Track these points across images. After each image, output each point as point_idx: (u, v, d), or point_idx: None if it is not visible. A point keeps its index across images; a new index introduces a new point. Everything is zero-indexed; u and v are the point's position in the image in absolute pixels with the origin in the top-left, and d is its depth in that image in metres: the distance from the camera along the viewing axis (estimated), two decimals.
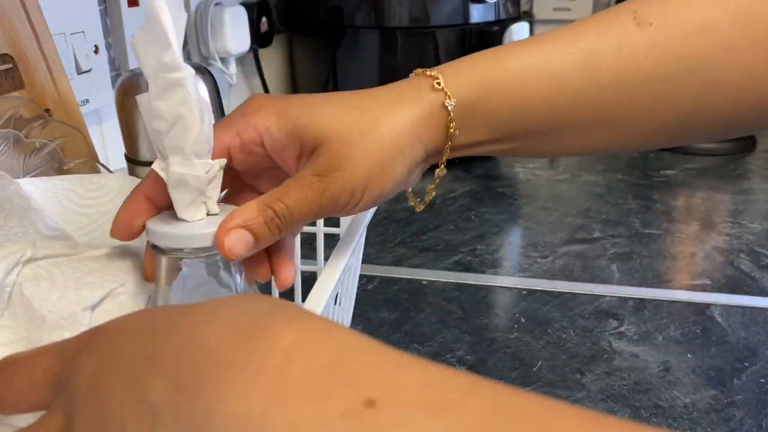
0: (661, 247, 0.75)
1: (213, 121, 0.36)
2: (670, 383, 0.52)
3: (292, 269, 0.39)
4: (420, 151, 0.38)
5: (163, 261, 0.37)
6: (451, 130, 0.38)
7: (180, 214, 0.36)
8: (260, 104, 0.37)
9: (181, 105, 0.33)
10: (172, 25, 0.32)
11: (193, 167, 0.35)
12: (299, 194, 0.35)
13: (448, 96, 0.37)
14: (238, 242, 0.34)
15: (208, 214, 0.37)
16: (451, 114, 0.37)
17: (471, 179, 0.97)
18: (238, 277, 0.39)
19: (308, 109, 0.36)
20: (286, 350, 0.20)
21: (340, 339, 0.21)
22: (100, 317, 0.36)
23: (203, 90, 0.55)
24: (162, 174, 0.36)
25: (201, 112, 0.34)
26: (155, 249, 0.37)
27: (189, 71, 0.34)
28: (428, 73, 0.38)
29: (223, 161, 0.37)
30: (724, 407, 0.49)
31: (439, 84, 0.37)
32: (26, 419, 0.34)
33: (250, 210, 0.34)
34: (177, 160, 0.35)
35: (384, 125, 0.36)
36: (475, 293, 0.65)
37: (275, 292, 0.60)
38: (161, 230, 0.36)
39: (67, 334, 0.33)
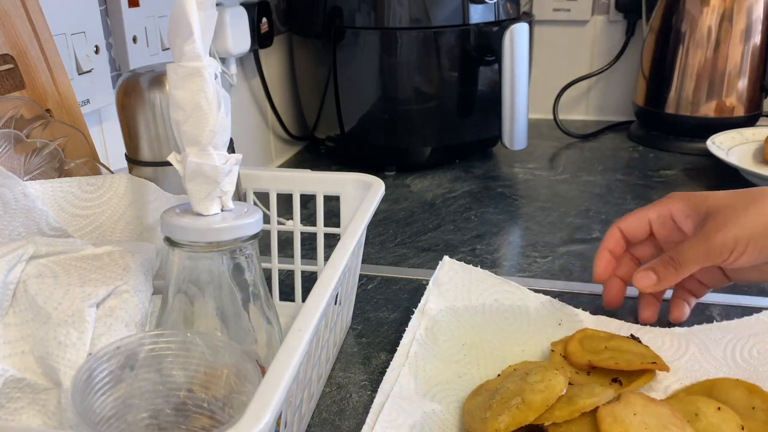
0: None
1: (230, 114, 0.36)
2: None
3: (685, 310, 0.58)
4: None
5: (176, 254, 0.37)
6: None
7: (195, 207, 0.36)
8: (673, 196, 0.55)
9: (198, 94, 0.33)
10: (197, 16, 0.32)
11: (210, 158, 0.35)
12: (691, 246, 0.51)
13: None
14: (645, 279, 0.52)
15: (223, 210, 0.37)
16: None
17: (471, 179, 0.98)
18: (249, 274, 0.39)
19: (703, 194, 0.53)
20: None
21: None
22: (103, 314, 0.36)
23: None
24: (177, 166, 0.36)
25: (218, 103, 0.34)
26: (168, 242, 0.37)
27: (210, 62, 0.34)
28: None
29: (239, 156, 0.38)
30: None
31: None
32: (29, 420, 0.34)
33: (656, 261, 0.53)
34: (194, 152, 0.35)
35: (766, 203, 0.49)
36: None
37: (276, 293, 0.61)
38: (176, 223, 0.36)
39: (73, 331, 0.33)
